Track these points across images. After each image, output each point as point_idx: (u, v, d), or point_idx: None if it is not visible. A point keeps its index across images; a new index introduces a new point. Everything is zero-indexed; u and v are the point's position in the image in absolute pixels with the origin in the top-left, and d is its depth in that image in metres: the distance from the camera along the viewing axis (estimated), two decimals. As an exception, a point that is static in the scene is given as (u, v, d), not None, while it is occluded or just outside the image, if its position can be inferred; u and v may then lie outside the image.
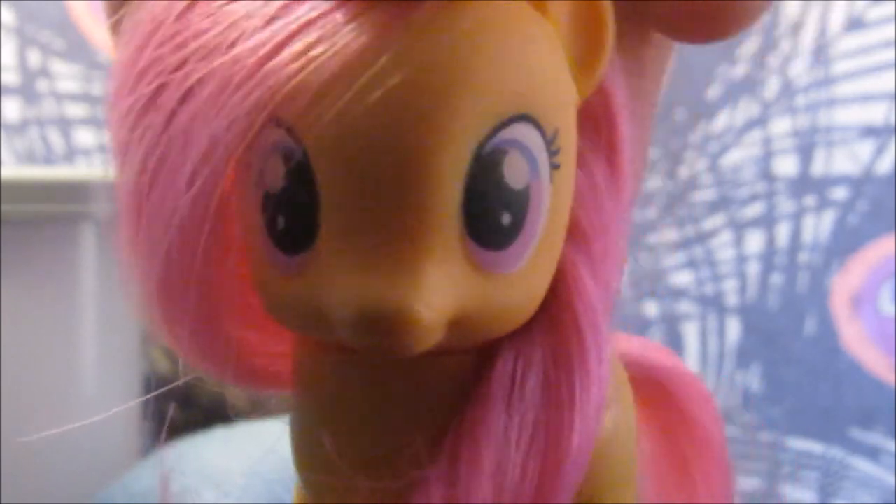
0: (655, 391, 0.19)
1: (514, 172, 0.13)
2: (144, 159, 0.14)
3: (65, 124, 0.80)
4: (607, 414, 0.15)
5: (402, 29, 0.13)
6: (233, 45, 0.13)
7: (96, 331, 0.54)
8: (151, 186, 0.14)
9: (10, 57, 0.79)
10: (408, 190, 0.13)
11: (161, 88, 0.14)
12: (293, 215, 0.13)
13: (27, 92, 0.80)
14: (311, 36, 0.13)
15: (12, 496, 0.46)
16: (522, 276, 0.14)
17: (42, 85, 0.80)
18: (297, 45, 0.13)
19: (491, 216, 0.13)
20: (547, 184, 0.14)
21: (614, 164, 0.15)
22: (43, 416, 0.51)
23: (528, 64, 0.14)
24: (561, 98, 0.14)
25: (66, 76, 0.80)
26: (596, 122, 0.15)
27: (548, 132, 0.14)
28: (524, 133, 0.13)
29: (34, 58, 0.79)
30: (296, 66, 0.13)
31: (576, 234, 0.15)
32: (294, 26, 0.13)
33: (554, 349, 0.15)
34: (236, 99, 0.13)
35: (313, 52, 0.13)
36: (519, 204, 0.13)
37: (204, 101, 0.13)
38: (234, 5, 0.14)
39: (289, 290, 0.14)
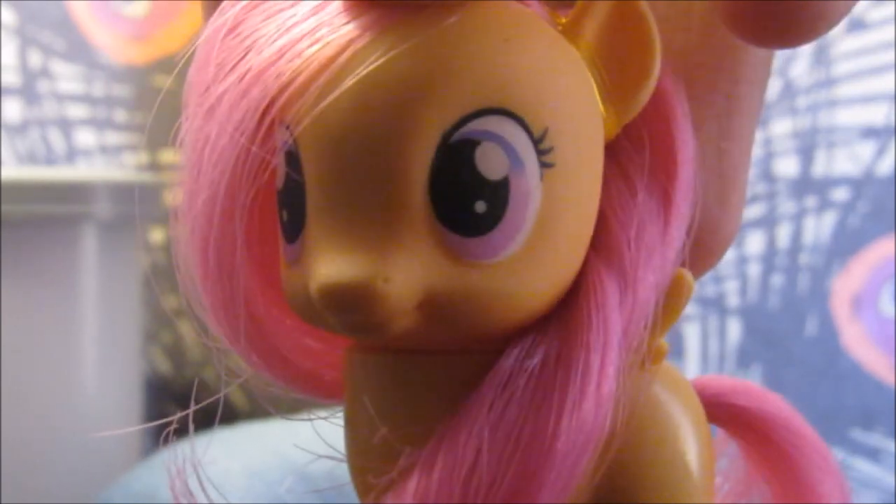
0: (768, 445, 0.19)
1: (489, 162, 0.14)
2: (193, 159, 0.15)
3: (65, 125, 0.80)
4: (645, 434, 0.16)
5: (385, 28, 0.13)
6: (251, 53, 0.14)
7: (96, 331, 0.54)
8: (196, 190, 0.15)
9: (10, 57, 0.79)
10: (374, 173, 0.14)
11: (208, 89, 0.15)
12: (291, 207, 0.14)
13: (28, 92, 0.80)
14: (305, 40, 0.14)
15: (12, 496, 0.46)
16: (507, 268, 0.14)
17: (43, 85, 0.80)
18: (295, 49, 0.14)
19: (462, 202, 0.14)
20: (535, 180, 0.14)
21: (668, 189, 0.15)
22: (43, 416, 0.51)
23: (508, 62, 0.14)
24: (554, 99, 0.14)
25: (67, 77, 0.80)
26: (652, 143, 0.15)
27: (534, 130, 0.14)
28: (500, 126, 0.14)
29: (35, 58, 0.80)
30: (287, 66, 0.14)
31: (607, 244, 0.15)
32: (296, 33, 0.14)
33: (557, 351, 0.15)
34: (244, 104, 0.14)
35: (304, 53, 0.14)
36: (495, 194, 0.14)
37: (224, 110, 0.14)
38: (266, 20, 0.15)
39: (291, 278, 0.15)
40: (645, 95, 0.15)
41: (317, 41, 0.14)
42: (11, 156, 0.80)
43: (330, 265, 0.13)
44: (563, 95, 0.15)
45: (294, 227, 0.14)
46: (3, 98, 0.78)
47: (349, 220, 0.13)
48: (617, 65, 0.15)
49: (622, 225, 0.15)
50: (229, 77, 0.14)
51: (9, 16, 0.78)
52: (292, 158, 0.14)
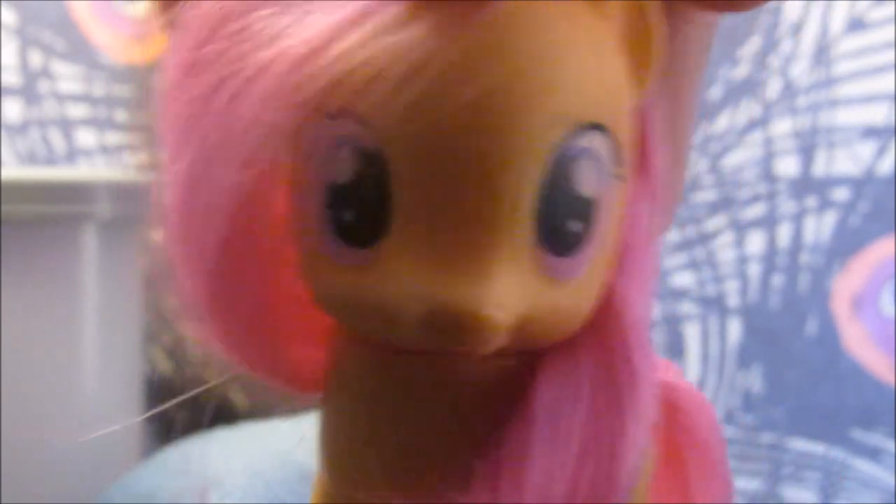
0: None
1: (586, 181, 0.14)
2: (200, 148, 0.14)
3: (66, 125, 0.80)
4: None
5: (479, 28, 0.13)
6: (299, 36, 0.13)
7: (97, 331, 0.54)
8: (204, 176, 0.14)
9: (11, 57, 0.79)
10: (485, 192, 0.13)
11: (223, 80, 0.14)
12: (363, 208, 0.14)
13: (28, 92, 0.80)
14: (378, 27, 0.13)
15: (12, 496, 0.46)
16: (582, 283, 0.14)
17: (43, 85, 0.80)
18: (365, 37, 0.13)
19: (561, 223, 0.14)
20: (612, 194, 0.14)
21: (647, 183, 0.15)
22: (43, 417, 0.51)
23: (602, 73, 0.14)
24: (626, 109, 0.14)
25: (68, 77, 0.80)
26: (633, 139, 0.15)
27: (617, 144, 0.14)
28: (597, 142, 0.14)
29: (35, 58, 0.79)
30: (371, 57, 0.13)
31: (618, 248, 0.15)
32: (360, 17, 0.13)
33: (600, 363, 0.15)
34: (295, 88, 0.13)
35: (385, 44, 0.13)
36: (588, 212, 0.14)
37: (266, 89, 0.13)
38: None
39: (349, 281, 0.14)
40: (649, 85, 0.15)
41: (391, 31, 0.13)
42: (12, 156, 0.79)
43: (441, 287, 0.13)
44: (628, 105, 0.14)
45: (365, 231, 0.13)
46: (3, 98, 0.78)
47: (453, 238, 0.13)
48: (633, 51, 0.14)
49: (632, 229, 0.15)
50: (267, 53, 0.13)
51: (9, 16, 0.78)
52: (369, 156, 0.13)
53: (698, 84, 0.17)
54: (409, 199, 0.13)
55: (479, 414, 0.15)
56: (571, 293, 0.14)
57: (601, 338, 0.15)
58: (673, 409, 0.16)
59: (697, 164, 0.90)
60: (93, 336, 0.56)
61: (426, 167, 0.13)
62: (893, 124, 0.81)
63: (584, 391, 0.14)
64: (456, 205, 0.13)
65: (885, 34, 0.81)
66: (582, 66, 0.13)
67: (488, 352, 0.13)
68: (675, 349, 0.95)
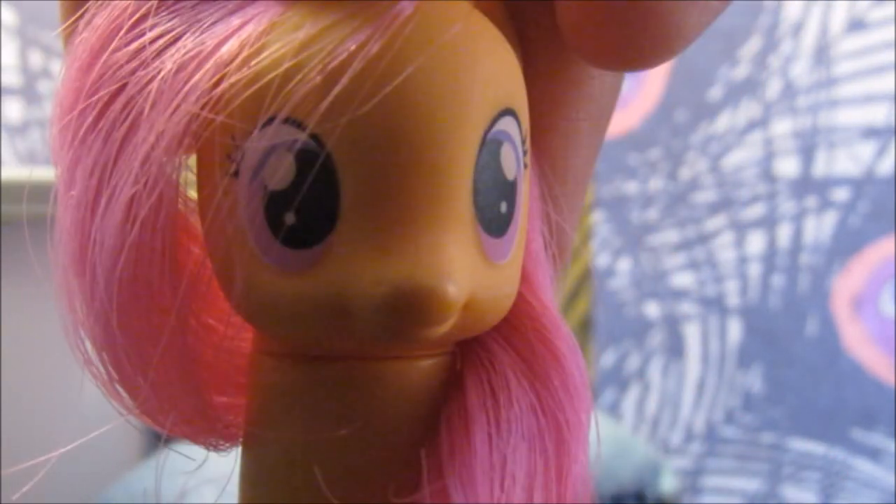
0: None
1: (508, 162, 0.14)
2: (93, 170, 0.14)
3: (66, 125, 0.80)
4: None
5: (393, 23, 0.13)
6: (210, 46, 0.13)
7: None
8: (101, 195, 0.14)
9: (11, 58, 0.79)
10: (431, 174, 0.13)
11: (117, 93, 0.14)
12: (306, 209, 0.14)
13: (29, 93, 0.80)
14: (290, 30, 0.13)
15: (13, 496, 0.46)
16: (510, 268, 0.14)
17: (43, 86, 0.80)
18: (283, 41, 0.13)
19: (493, 203, 0.14)
20: (523, 180, 0.14)
21: (535, 179, 0.16)
22: (43, 416, 0.51)
23: (507, 62, 0.14)
24: (525, 101, 0.15)
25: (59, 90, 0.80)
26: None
27: (523, 129, 0.14)
28: (511, 127, 0.14)
29: (36, 58, 0.80)
30: (296, 60, 0.13)
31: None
32: (268, 23, 0.13)
33: (517, 349, 0.15)
34: (207, 100, 0.13)
35: (304, 44, 0.13)
36: (512, 194, 0.14)
37: (171, 102, 0.13)
38: (198, 8, 0.14)
39: (294, 286, 0.14)
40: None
41: (311, 42, 0.13)
42: (12, 156, 0.80)
43: (399, 270, 0.13)
44: (525, 96, 0.15)
45: (308, 231, 0.14)
46: (3, 98, 0.78)
47: (406, 221, 0.13)
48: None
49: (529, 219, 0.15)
50: (148, 70, 0.13)
51: (9, 16, 0.78)
52: (310, 158, 0.13)
53: (592, 157, 0.17)
54: (356, 191, 0.13)
55: (416, 413, 0.15)
56: (504, 276, 0.14)
57: (513, 325, 0.15)
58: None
59: (697, 164, 0.90)
60: (93, 336, 0.56)
61: (371, 158, 0.13)
62: (893, 124, 0.81)
63: (510, 379, 0.14)
64: (404, 191, 0.13)
65: (885, 34, 0.81)
66: (492, 55, 0.14)
67: (439, 335, 0.13)
68: (676, 349, 0.95)
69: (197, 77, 0.13)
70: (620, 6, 0.13)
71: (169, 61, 0.13)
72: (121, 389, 0.15)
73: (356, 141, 0.13)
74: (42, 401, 0.50)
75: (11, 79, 0.79)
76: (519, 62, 0.15)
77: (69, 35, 0.15)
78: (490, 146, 0.14)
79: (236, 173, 0.14)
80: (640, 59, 0.13)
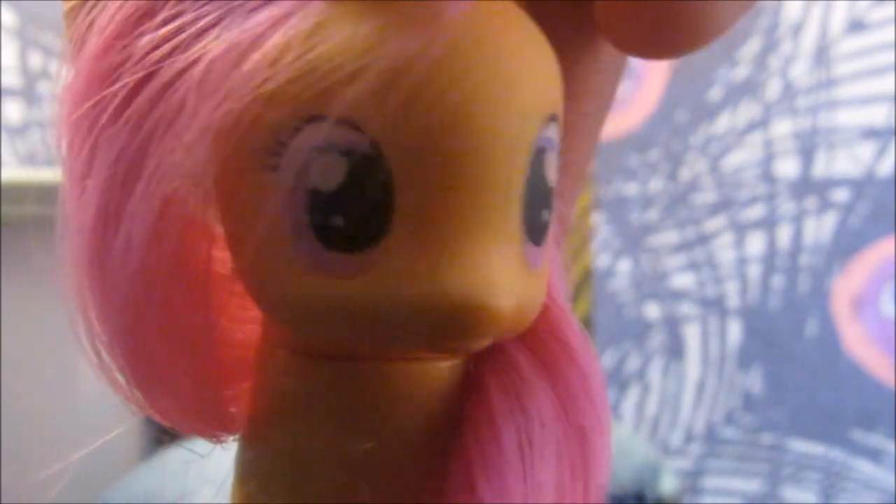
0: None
1: (551, 170, 0.14)
2: (119, 160, 0.13)
3: (66, 126, 0.80)
4: None
5: (451, 27, 0.13)
6: (246, 36, 0.13)
7: (97, 332, 0.54)
8: (124, 191, 0.13)
9: (11, 58, 0.79)
10: (488, 188, 0.13)
11: (146, 80, 0.13)
12: (356, 213, 0.13)
13: (28, 94, 0.80)
14: (343, 26, 0.13)
15: (13, 496, 0.46)
16: (542, 275, 0.14)
17: (43, 87, 0.80)
18: (334, 36, 0.13)
19: (538, 213, 0.14)
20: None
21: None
22: (43, 417, 0.51)
23: (551, 66, 0.14)
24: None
25: (68, 78, 0.80)
26: None
27: (560, 134, 0.14)
28: (555, 133, 0.14)
29: (35, 59, 0.80)
30: (352, 58, 0.13)
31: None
32: (297, 16, 0.13)
33: (536, 352, 0.15)
34: (253, 92, 0.13)
35: (360, 43, 0.13)
36: (551, 201, 0.14)
37: (212, 93, 0.13)
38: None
39: (336, 289, 0.13)
40: None
41: (354, 33, 0.13)
42: (12, 157, 0.79)
43: (451, 282, 0.13)
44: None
45: (357, 235, 0.13)
46: (3, 99, 0.78)
47: (462, 231, 0.13)
48: None
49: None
50: (179, 60, 0.13)
51: (9, 17, 0.78)
52: (364, 161, 0.13)
53: (602, 115, 0.17)
54: (411, 199, 0.13)
55: (433, 415, 0.14)
56: (538, 283, 0.14)
57: (530, 328, 0.15)
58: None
59: (697, 165, 0.90)
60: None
61: (426, 166, 0.13)
62: (893, 125, 0.81)
63: (534, 384, 0.14)
64: (460, 202, 0.13)
65: (885, 35, 0.81)
66: (542, 61, 0.14)
67: (484, 346, 0.13)
68: (676, 350, 0.95)
69: (245, 67, 0.12)
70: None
71: (209, 48, 0.13)
72: (134, 388, 0.15)
73: (415, 148, 0.13)
74: (42, 401, 0.50)
75: (11, 79, 0.79)
76: None
77: (76, 13, 0.14)
78: (538, 154, 0.14)
79: (275, 169, 0.13)
80: (674, 46, 0.13)
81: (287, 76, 0.13)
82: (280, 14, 0.13)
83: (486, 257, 0.13)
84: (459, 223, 0.13)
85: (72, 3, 0.14)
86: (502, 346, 0.15)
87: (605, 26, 0.14)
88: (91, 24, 0.14)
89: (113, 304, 0.14)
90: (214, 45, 0.13)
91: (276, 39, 0.13)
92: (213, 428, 0.15)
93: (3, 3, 0.77)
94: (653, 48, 0.14)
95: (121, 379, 0.15)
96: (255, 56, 0.13)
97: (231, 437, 0.16)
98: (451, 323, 0.13)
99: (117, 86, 0.13)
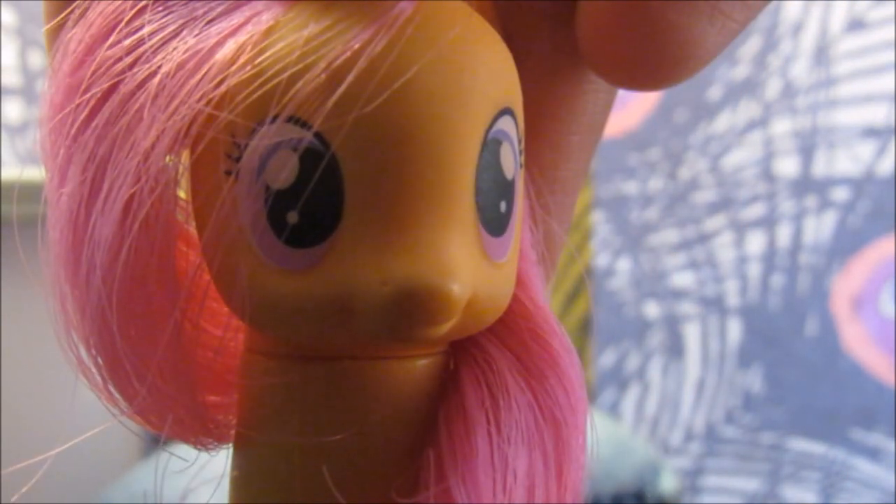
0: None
1: (507, 162, 0.14)
2: (86, 169, 0.14)
3: (66, 125, 0.80)
4: None
5: (396, 22, 0.13)
6: (203, 47, 0.13)
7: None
8: (91, 199, 0.13)
9: (11, 58, 0.79)
10: (435, 173, 0.13)
11: (112, 90, 0.13)
12: (309, 208, 0.13)
13: (28, 93, 0.80)
14: (292, 28, 0.13)
15: (13, 496, 0.46)
16: (507, 267, 0.14)
17: (43, 86, 0.80)
18: (286, 39, 0.13)
19: (493, 202, 0.14)
20: (519, 178, 0.15)
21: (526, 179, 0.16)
22: (43, 416, 0.51)
23: (505, 62, 0.14)
24: (521, 100, 0.15)
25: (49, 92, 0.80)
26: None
27: (520, 129, 0.15)
28: (510, 126, 0.14)
29: (36, 58, 0.80)
30: (299, 58, 0.13)
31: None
32: (254, 21, 0.13)
33: (512, 349, 0.15)
34: (209, 98, 0.13)
35: (307, 43, 0.13)
36: (510, 193, 0.14)
37: (171, 100, 0.13)
38: (193, 5, 0.14)
39: (298, 285, 0.14)
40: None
41: (315, 41, 0.13)
42: (12, 156, 0.80)
43: (405, 268, 0.13)
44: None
45: (312, 230, 0.14)
46: (3, 98, 0.78)
47: (411, 219, 0.13)
48: None
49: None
50: (142, 69, 0.13)
51: (9, 16, 0.78)
52: (314, 156, 0.13)
53: (581, 171, 0.17)
54: (360, 190, 0.13)
55: (411, 413, 0.15)
56: (503, 275, 0.14)
57: (507, 325, 0.15)
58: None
59: (697, 164, 0.90)
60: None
61: (375, 157, 0.13)
62: (893, 124, 0.81)
63: (507, 378, 0.14)
64: (408, 190, 0.13)
65: (885, 34, 0.81)
66: (492, 55, 0.14)
67: (442, 334, 0.13)
68: (675, 349, 0.95)
69: (199, 75, 0.13)
70: (638, 24, 0.13)
71: (168, 58, 0.13)
72: (115, 391, 0.15)
73: (361, 140, 0.13)
74: (42, 401, 0.50)
75: (11, 79, 0.79)
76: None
77: (54, 33, 0.15)
78: (491, 145, 0.14)
79: (237, 173, 0.14)
80: (655, 77, 0.13)
81: (238, 80, 0.13)
82: (236, 24, 0.13)
83: (437, 244, 0.13)
84: (407, 212, 0.13)
85: (51, 24, 0.15)
86: (478, 341, 0.15)
87: (588, 55, 0.14)
88: (69, 40, 0.14)
89: (87, 308, 0.14)
90: (173, 56, 0.13)
91: (229, 47, 0.13)
92: (197, 433, 0.16)
93: (3, 3, 0.77)
94: (636, 78, 0.14)
95: (101, 383, 0.15)
96: (210, 63, 0.13)
97: (220, 445, 0.16)
98: (403, 308, 0.13)
99: (86, 97, 0.14)
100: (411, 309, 0.13)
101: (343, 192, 0.13)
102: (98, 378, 0.15)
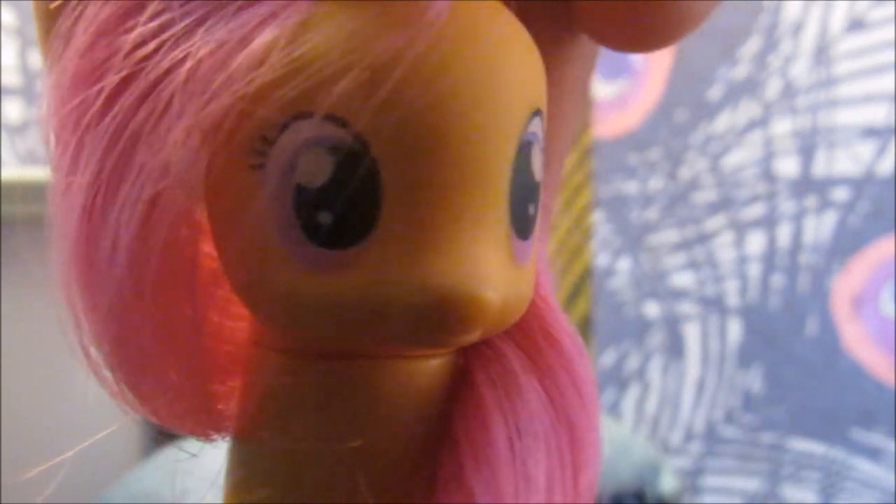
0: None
1: (537, 164, 0.14)
2: (104, 158, 0.13)
3: (66, 125, 0.80)
4: None
5: (435, 22, 0.13)
6: (236, 35, 0.13)
7: (97, 331, 0.54)
8: (110, 190, 0.13)
9: (11, 58, 0.79)
10: (473, 177, 0.13)
11: (131, 78, 0.13)
12: (344, 209, 0.13)
13: (28, 93, 0.80)
14: (333, 24, 0.13)
15: (13, 496, 0.46)
16: (529, 269, 0.14)
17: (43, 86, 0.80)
18: (325, 34, 0.13)
19: (523, 205, 0.14)
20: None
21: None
22: (43, 417, 0.51)
23: (535, 61, 0.14)
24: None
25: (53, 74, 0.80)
26: None
27: (544, 128, 0.14)
28: (539, 127, 0.14)
29: (36, 59, 0.80)
30: (339, 54, 0.13)
31: None
32: (286, 13, 0.13)
33: (524, 348, 0.15)
34: (239, 90, 0.13)
35: (347, 40, 0.13)
36: (538, 195, 0.14)
37: (198, 91, 0.13)
38: None
39: (324, 286, 0.13)
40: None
41: (356, 37, 0.13)
42: (12, 156, 0.80)
43: (441, 273, 0.13)
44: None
45: (345, 231, 0.13)
46: (3, 98, 0.78)
47: (448, 224, 0.13)
48: None
49: None
50: (165, 60, 0.12)
51: (9, 16, 0.78)
52: (350, 157, 0.13)
53: (576, 106, 0.17)
54: (398, 193, 0.13)
55: (424, 412, 0.15)
56: (525, 278, 0.14)
57: (518, 324, 0.15)
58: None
59: (697, 164, 0.90)
60: (93, 336, 0.56)
61: (415, 161, 0.13)
62: (893, 124, 0.81)
63: (521, 379, 0.14)
64: (447, 195, 0.13)
65: (885, 34, 0.81)
66: (525, 55, 0.14)
67: (472, 340, 0.13)
68: (675, 349, 0.95)
69: (232, 67, 0.13)
70: None
71: (196, 48, 0.13)
72: (123, 386, 0.15)
73: (400, 142, 0.13)
74: (42, 401, 0.50)
75: (11, 79, 0.79)
76: None
77: (52, 21, 0.14)
78: (523, 148, 0.14)
79: (262, 167, 0.13)
80: (648, 39, 0.13)
81: (273, 74, 0.13)
82: (266, 13, 0.13)
83: (474, 250, 0.13)
84: (446, 216, 0.13)
85: (55, 2, 0.14)
86: (491, 341, 0.15)
87: (581, 18, 0.14)
88: (76, 20, 0.14)
89: (100, 300, 0.14)
90: (201, 45, 0.13)
91: (262, 38, 0.13)
92: (203, 426, 0.16)
93: (2, 3, 0.77)
94: (630, 39, 0.14)
95: (110, 376, 0.15)
96: (242, 55, 0.13)
97: (220, 436, 0.16)
98: (439, 316, 0.13)
99: (102, 84, 0.13)
100: (448, 316, 0.13)
101: (380, 195, 0.13)
102: (106, 373, 0.15)
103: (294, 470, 0.15)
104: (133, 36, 0.13)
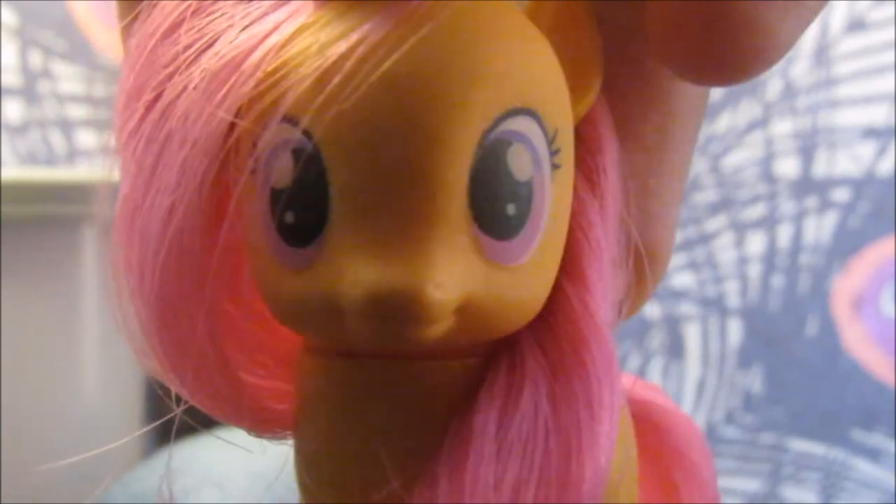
0: (646, 426, 0.18)
1: (519, 163, 0.14)
2: (140, 164, 0.14)
3: (66, 126, 0.80)
4: (617, 451, 0.15)
5: (402, 24, 0.13)
6: (227, 46, 0.14)
7: (97, 331, 0.54)
8: (145, 195, 0.14)
9: (11, 58, 0.79)
10: (415, 175, 0.13)
11: (156, 99, 0.14)
12: (303, 208, 0.13)
13: (29, 93, 0.80)
14: (307, 34, 0.13)
15: (13, 496, 0.46)
16: (528, 272, 0.14)
17: (43, 86, 0.80)
18: (285, 40, 0.13)
19: (496, 205, 0.14)
20: (549, 180, 0.14)
21: (597, 192, 0.15)
22: (43, 417, 0.51)
23: (530, 61, 0.14)
24: (561, 101, 0.15)
25: (68, 77, 0.80)
26: (584, 147, 0.15)
27: (549, 130, 0.14)
28: (527, 126, 0.14)
29: (36, 59, 0.80)
30: (293, 59, 0.13)
31: (573, 252, 0.15)
32: (285, 25, 0.14)
33: (547, 359, 0.15)
34: (228, 97, 0.14)
35: (302, 44, 0.13)
36: (523, 195, 0.14)
37: (193, 102, 0.14)
38: (236, 9, 0.14)
39: (298, 285, 0.14)
40: (590, 100, 0.15)
41: (321, 37, 0.13)
42: (12, 156, 0.80)
43: (377, 270, 0.13)
44: (564, 96, 0.15)
45: (306, 230, 0.13)
46: (3, 99, 0.78)
47: (389, 223, 0.13)
48: (568, 68, 0.15)
49: (581, 230, 0.15)
50: (184, 76, 0.14)
51: (9, 16, 0.78)
52: (306, 157, 0.13)
53: (684, 162, 0.16)
54: (342, 190, 0.13)
55: (444, 416, 0.15)
56: (517, 281, 0.14)
57: (548, 324, 0.15)
58: (660, 430, 0.16)
59: (697, 164, 0.90)
60: (93, 336, 0.56)
61: (356, 158, 0.13)
62: (893, 124, 0.81)
63: (525, 387, 0.14)
64: (390, 195, 0.13)
65: (885, 34, 0.81)
66: (509, 53, 0.14)
67: (432, 338, 0.13)
68: (675, 349, 0.95)
69: (230, 83, 0.13)
70: (709, 14, 0.12)
71: (202, 67, 0.14)
72: (171, 375, 0.15)
73: (343, 138, 0.13)
74: (42, 401, 0.50)
75: (11, 79, 0.79)
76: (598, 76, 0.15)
77: (125, 34, 0.15)
78: (494, 146, 0.14)
79: (255, 171, 0.14)
80: (732, 70, 0.13)
81: (259, 85, 0.14)
82: (268, 28, 0.14)
83: (415, 247, 0.13)
84: (388, 215, 0.13)
85: (122, 4, 0.15)
86: (516, 343, 0.15)
87: (658, 52, 0.14)
88: (141, 26, 0.15)
89: (141, 298, 0.15)
90: (206, 64, 0.14)
91: (257, 53, 0.14)
92: (247, 420, 0.16)
93: (3, 3, 0.77)
94: (711, 73, 0.13)
95: (159, 366, 0.15)
96: (238, 71, 0.14)
97: (275, 434, 0.16)
98: (377, 311, 0.13)
99: (139, 103, 0.14)
100: (383, 311, 0.13)
101: (328, 193, 0.13)
102: (155, 364, 0.15)
103: (330, 468, 0.15)
104: (160, 58, 0.14)
